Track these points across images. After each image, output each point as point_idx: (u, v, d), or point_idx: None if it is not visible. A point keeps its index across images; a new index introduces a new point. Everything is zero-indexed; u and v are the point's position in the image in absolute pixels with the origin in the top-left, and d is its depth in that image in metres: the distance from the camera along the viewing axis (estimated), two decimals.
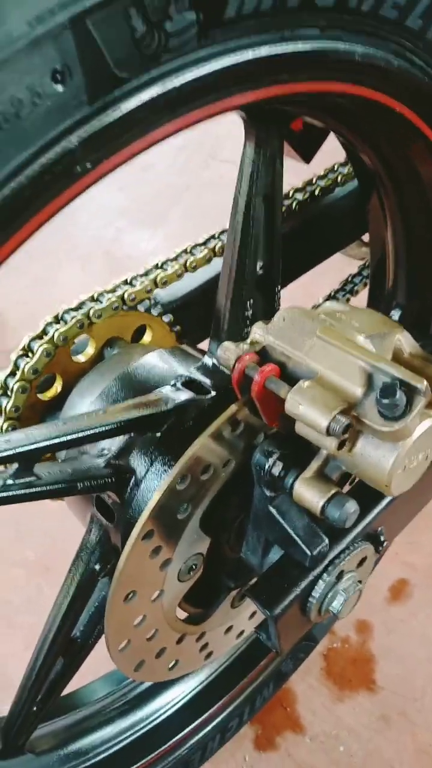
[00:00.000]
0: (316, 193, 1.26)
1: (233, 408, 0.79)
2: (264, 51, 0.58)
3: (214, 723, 1.31)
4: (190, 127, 0.58)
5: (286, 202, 1.23)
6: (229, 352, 0.78)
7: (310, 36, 0.61)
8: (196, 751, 1.29)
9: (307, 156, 1.39)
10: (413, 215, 1.11)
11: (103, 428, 0.80)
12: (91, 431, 0.79)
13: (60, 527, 1.68)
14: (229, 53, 0.55)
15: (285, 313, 0.79)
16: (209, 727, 1.30)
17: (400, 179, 1.06)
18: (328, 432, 0.70)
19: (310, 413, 0.71)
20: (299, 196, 1.24)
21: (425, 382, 0.69)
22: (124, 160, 0.53)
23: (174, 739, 1.24)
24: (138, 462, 0.86)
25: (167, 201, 2.81)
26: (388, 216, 1.16)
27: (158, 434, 0.85)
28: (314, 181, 1.28)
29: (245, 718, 1.40)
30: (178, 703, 1.28)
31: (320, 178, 1.28)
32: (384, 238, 1.20)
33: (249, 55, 0.56)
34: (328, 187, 1.28)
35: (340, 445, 0.72)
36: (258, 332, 0.80)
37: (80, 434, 0.78)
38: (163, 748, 1.23)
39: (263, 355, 0.78)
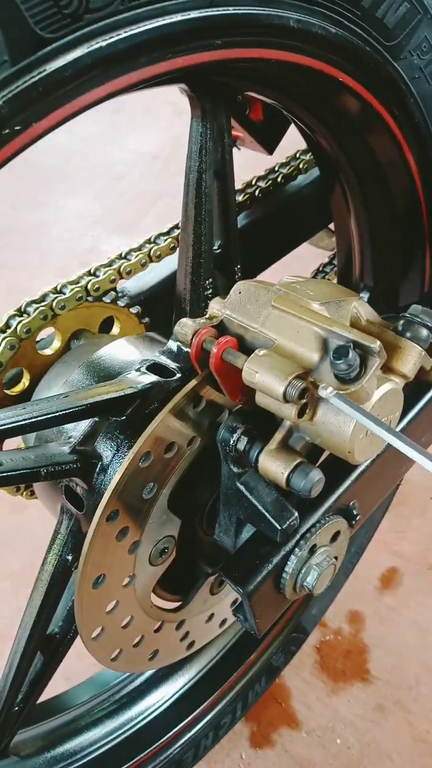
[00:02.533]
0: (279, 180, 1.27)
1: (192, 383, 0.78)
2: (194, 14, 0.58)
3: (205, 720, 1.28)
4: (124, 93, 0.58)
5: (249, 190, 1.23)
6: (186, 327, 0.78)
7: (242, 1, 0.62)
8: (189, 750, 1.27)
9: (269, 147, 1.40)
10: (374, 200, 1.11)
11: (67, 411, 0.79)
12: (54, 414, 0.78)
13: (45, 538, 1.66)
14: (157, 16, 0.56)
15: (240, 286, 0.79)
16: (201, 725, 1.28)
17: (358, 163, 1.06)
18: (285, 398, 0.69)
19: (266, 380, 0.70)
20: (262, 183, 1.25)
21: (378, 342, 0.69)
22: (57, 123, 0.53)
23: (164, 738, 1.22)
24: (104, 447, 0.85)
25: (142, 208, 2.82)
26: (350, 203, 1.16)
27: (123, 418, 0.84)
28: (276, 168, 1.28)
29: (238, 715, 1.38)
30: (167, 701, 1.25)
31: (282, 165, 1.29)
32: (348, 225, 1.21)
33: (177, 17, 0.57)
34: (291, 175, 1.29)
35: (301, 413, 0.72)
36: (215, 307, 0.79)
37: (43, 417, 0.77)
38: (153, 747, 1.21)
39: (221, 329, 0.78)
